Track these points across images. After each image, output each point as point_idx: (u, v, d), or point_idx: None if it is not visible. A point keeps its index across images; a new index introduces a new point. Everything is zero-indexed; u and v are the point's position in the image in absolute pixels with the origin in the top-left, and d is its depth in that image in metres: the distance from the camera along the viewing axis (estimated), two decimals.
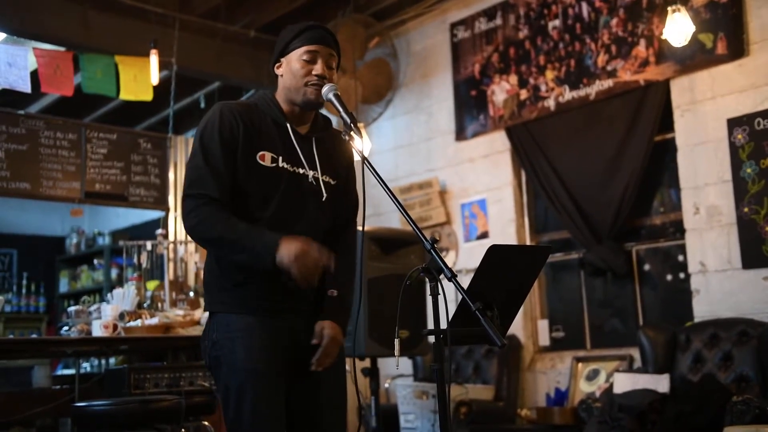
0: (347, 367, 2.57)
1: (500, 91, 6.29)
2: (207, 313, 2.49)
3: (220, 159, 2.36)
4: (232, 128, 2.39)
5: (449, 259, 6.43)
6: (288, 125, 2.47)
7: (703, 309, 5.05)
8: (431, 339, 2.17)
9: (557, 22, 5.98)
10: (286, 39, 2.47)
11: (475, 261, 2.46)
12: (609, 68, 5.63)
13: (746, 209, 4.88)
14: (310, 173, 2.46)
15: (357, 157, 2.39)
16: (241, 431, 2.32)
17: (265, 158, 2.40)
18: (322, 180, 2.48)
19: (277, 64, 2.51)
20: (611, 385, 4.87)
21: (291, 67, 2.45)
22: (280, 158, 2.42)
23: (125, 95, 6.23)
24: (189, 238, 6.53)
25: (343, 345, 2.53)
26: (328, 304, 2.48)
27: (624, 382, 4.76)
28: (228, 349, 2.35)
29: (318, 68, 2.42)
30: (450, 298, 2.14)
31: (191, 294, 5.51)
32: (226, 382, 2.36)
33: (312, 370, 2.41)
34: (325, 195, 2.47)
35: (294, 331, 2.41)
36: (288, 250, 2.24)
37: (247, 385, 2.31)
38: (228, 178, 2.36)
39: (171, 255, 5.83)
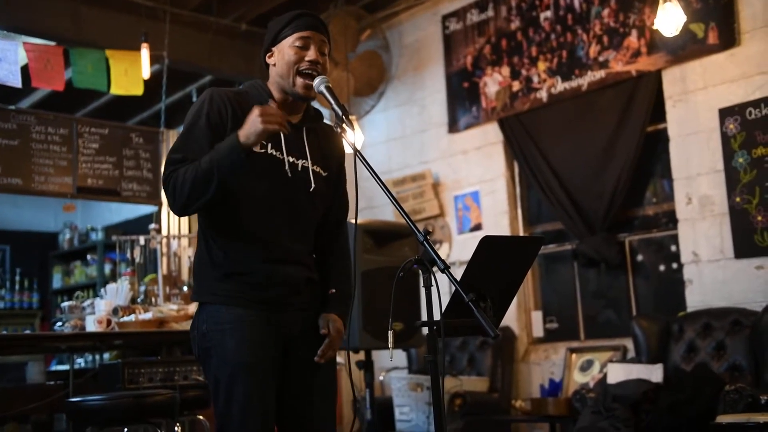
0: (341, 360, 2.57)
1: (492, 82, 6.29)
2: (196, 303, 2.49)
3: (204, 136, 2.35)
4: (220, 110, 2.39)
5: (443, 251, 6.44)
6: None
7: (695, 299, 5.07)
8: (425, 331, 2.17)
9: (549, 13, 5.98)
10: (277, 28, 2.46)
11: (468, 253, 2.46)
12: (601, 59, 5.63)
13: (738, 199, 4.89)
14: (300, 162, 2.44)
15: (349, 151, 2.38)
16: (231, 424, 2.31)
17: None
18: (312, 170, 2.47)
19: (268, 54, 2.50)
20: (605, 376, 4.88)
21: (283, 54, 2.43)
22: (269, 145, 2.40)
23: (116, 90, 6.20)
24: (182, 231, 6.55)
25: None
26: (330, 299, 2.52)
27: (618, 373, 4.77)
28: (218, 341, 2.34)
29: (311, 54, 2.41)
30: (443, 290, 2.14)
31: (185, 288, 5.51)
32: (215, 374, 2.35)
33: (315, 361, 2.43)
34: (313, 185, 2.46)
35: (285, 324, 2.40)
36: (244, 127, 2.23)
37: (237, 377, 2.31)
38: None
39: (164, 250, 5.81)
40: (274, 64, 2.47)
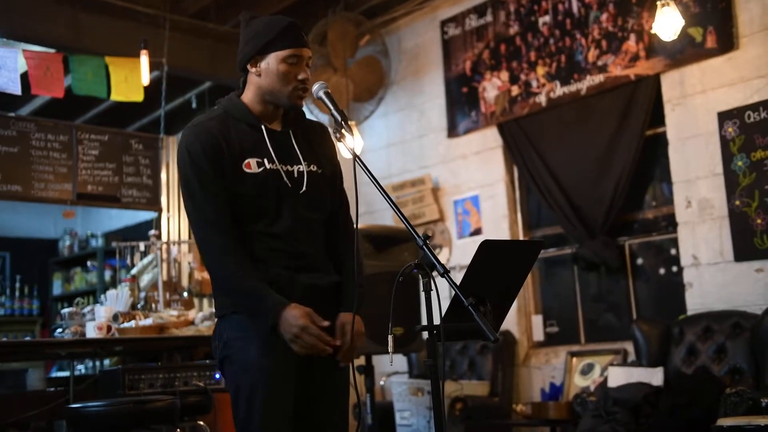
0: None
1: (491, 87, 6.30)
2: (211, 311, 2.50)
3: (217, 184, 2.36)
4: (214, 147, 2.37)
5: (443, 255, 6.44)
6: (263, 126, 2.45)
7: (696, 302, 5.07)
8: (425, 335, 2.17)
9: (547, 18, 5.99)
10: (267, 37, 2.41)
11: (468, 257, 2.46)
12: (599, 63, 5.64)
13: (738, 202, 4.90)
14: (294, 168, 2.44)
15: (347, 155, 2.39)
16: (252, 431, 2.31)
17: (251, 165, 2.39)
18: (308, 171, 2.47)
19: (251, 62, 2.44)
20: (606, 379, 4.88)
21: (272, 68, 2.40)
22: (265, 160, 2.41)
23: (116, 96, 6.21)
24: (182, 237, 6.55)
25: None
26: (345, 296, 2.50)
27: (618, 376, 4.77)
28: (240, 348, 2.35)
29: (303, 74, 2.41)
30: (443, 294, 2.14)
31: (185, 294, 5.51)
32: (237, 381, 2.36)
33: (340, 366, 2.43)
34: (305, 187, 2.45)
35: None
36: (288, 326, 2.26)
37: (259, 384, 2.31)
38: (225, 199, 2.37)
39: (164, 256, 5.81)
40: (259, 75, 2.43)
